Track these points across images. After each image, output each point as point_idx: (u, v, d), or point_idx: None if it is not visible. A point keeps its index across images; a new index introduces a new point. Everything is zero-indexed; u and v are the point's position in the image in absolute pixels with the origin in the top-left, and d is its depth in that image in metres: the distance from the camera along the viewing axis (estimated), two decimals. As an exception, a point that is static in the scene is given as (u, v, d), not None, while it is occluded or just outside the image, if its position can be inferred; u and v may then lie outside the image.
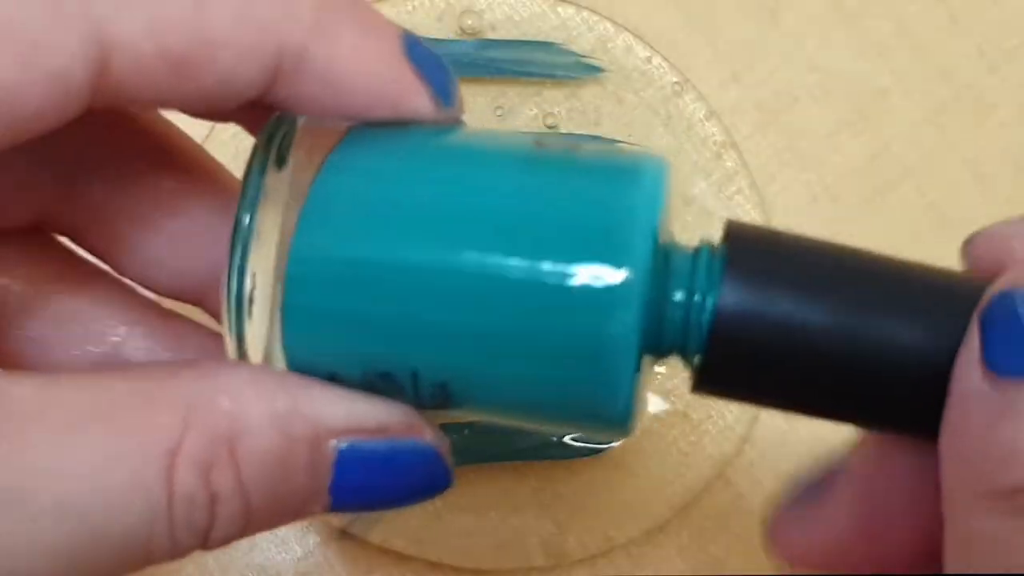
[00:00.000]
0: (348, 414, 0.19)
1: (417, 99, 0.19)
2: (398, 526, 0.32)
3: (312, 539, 0.33)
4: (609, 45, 0.37)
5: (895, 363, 0.18)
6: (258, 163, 0.19)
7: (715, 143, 0.36)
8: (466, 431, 0.33)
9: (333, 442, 0.19)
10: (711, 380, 0.19)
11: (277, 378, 0.19)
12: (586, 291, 0.18)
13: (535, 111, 0.36)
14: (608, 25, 0.37)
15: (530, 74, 0.36)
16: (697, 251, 0.19)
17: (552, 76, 0.36)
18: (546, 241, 0.18)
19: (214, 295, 0.19)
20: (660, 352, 0.19)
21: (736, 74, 0.38)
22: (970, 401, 0.17)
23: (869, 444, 0.20)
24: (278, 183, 0.19)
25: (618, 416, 0.19)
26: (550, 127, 0.36)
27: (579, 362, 0.18)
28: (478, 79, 0.36)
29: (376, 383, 0.19)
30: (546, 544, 0.33)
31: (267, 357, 0.19)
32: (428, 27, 0.37)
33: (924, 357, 0.18)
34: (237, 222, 0.19)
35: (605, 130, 0.36)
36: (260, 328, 0.19)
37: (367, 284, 0.18)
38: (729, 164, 0.36)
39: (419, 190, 0.19)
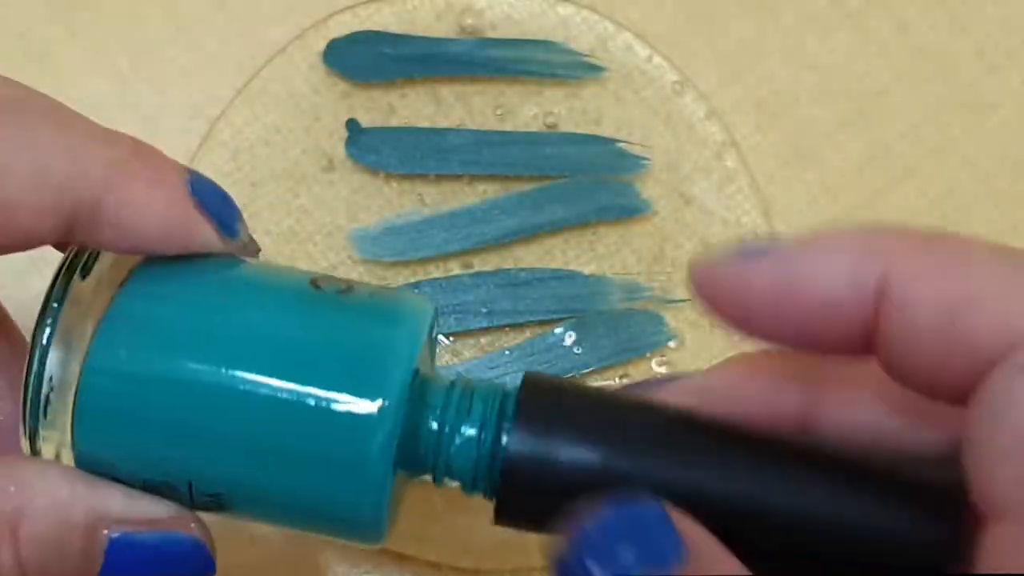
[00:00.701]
0: (123, 507, 0.21)
1: (204, 235, 0.22)
2: (398, 526, 0.32)
3: (311, 539, 0.33)
4: (609, 44, 0.37)
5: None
6: (61, 278, 0.21)
7: (715, 142, 0.36)
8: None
9: (106, 531, 0.21)
10: (507, 514, 0.21)
11: (63, 471, 0.21)
12: (347, 416, 0.20)
13: (535, 110, 0.36)
14: (608, 24, 0.37)
15: (530, 73, 0.36)
16: (451, 385, 0.22)
17: (552, 75, 0.36)
18: (313, 370, 0.20)
19: None
20: (415, 472, 0.22)
21: (736, 73, 0.38)
22: None
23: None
24: (78, 299, 0.21)
25: (371, 526, 0.21)
26: (550, 126, 0.36)
27: (339, 479, 0.20)
28: (478, 78, 0.36)
29: (156, 488, 0.21)
30: (546, 544, 0.32)
31: (58, 454, 0.21)
32: (428, 26, 0.37)
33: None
34: (37, 329, 0.21)
35: (605, 129, 0.36)
36: (54, 427, 0.21)
37: (150, 398, 0.21)
38: (729, 164, 0.36)
39: (200, 317, 0.21)
